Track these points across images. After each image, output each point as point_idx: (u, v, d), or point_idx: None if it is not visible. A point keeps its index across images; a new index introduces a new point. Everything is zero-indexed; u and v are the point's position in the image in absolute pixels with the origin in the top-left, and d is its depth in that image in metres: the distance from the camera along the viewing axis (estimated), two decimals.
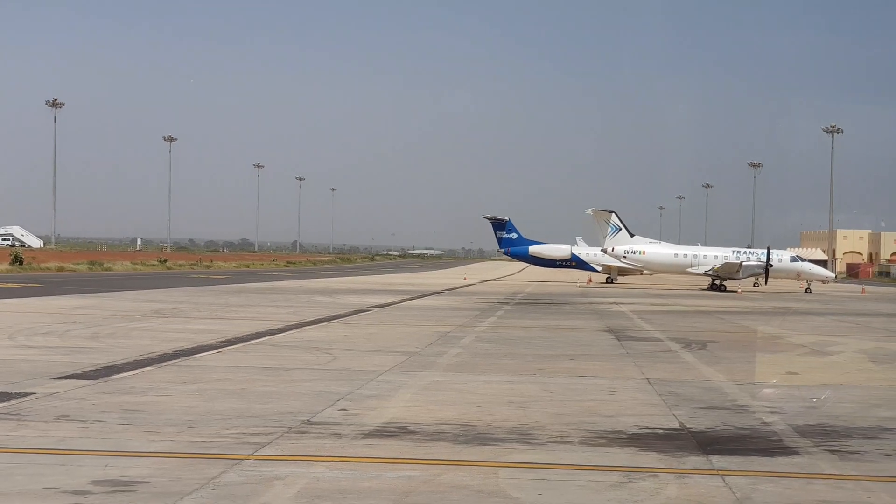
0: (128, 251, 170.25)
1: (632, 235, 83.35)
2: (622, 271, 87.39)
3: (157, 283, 60.79)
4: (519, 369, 20.25)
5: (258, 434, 12.33)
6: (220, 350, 22.23)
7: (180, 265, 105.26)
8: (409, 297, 52.61)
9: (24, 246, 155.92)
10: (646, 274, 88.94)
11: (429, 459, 11.21)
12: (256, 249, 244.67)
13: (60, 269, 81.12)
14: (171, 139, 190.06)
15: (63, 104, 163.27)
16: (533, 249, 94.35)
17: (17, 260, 79.38)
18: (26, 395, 14.88)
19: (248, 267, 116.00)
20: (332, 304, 43.43)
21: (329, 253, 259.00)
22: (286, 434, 12.40)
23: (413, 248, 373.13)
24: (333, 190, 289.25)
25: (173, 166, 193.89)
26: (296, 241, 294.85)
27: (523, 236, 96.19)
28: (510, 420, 13.94)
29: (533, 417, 14.20)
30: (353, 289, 62.64)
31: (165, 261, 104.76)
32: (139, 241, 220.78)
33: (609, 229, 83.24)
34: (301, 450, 11.52)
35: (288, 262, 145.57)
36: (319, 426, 12.99)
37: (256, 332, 26.83)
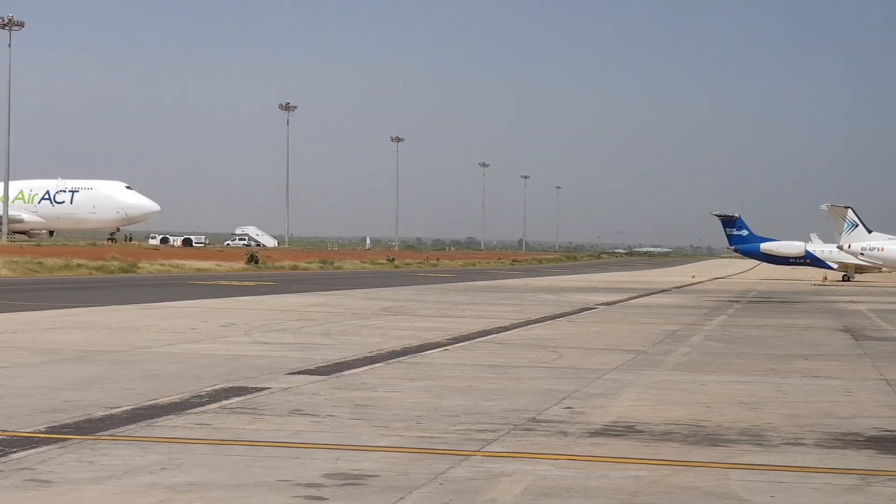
0: (357, 250, 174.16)
1: (869, 231, 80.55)
2: (859, 269, 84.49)
3: (386, 282, 61.93)
4: (750, 369, 19.76)
5: (485, 431, 12.36)
6: (446, 348, 22.44)
7: (407, 263, 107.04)
8: (636, 294, 52.10)
9: (259, 245, 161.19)
10: (884, 272, 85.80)
11: (657, 460, 11.02)
12: (482, 248, 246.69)
13: (294, 267, 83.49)
14: (398, 139, 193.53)
15: (295, 107, 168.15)
16: (764, 247, 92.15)
17: (252, 259, 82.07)
18: (262, 389, 15.32)
19: (474, 265, 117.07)
20: (557, 301, 43.37)
21: (554, 251, 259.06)
22: (512, 431, 12.39)
23: (640, 246, 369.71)
24: (559, 188, 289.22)
25: (401, 166, 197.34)
26: (521, 240, 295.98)
27: (754, 233, 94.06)
28: (741, 421, 13.59)
29: (765, 418, 13.81)
30: (578, 286, 62.46)
31: (393, 259, 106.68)
32: (368, 240, 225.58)
33: (845, 225, 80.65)
34: (527, 447, 11.49)
35: (513, 261, 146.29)
36: (545, 424, 12.94)
37: (482, 330, 26.99)
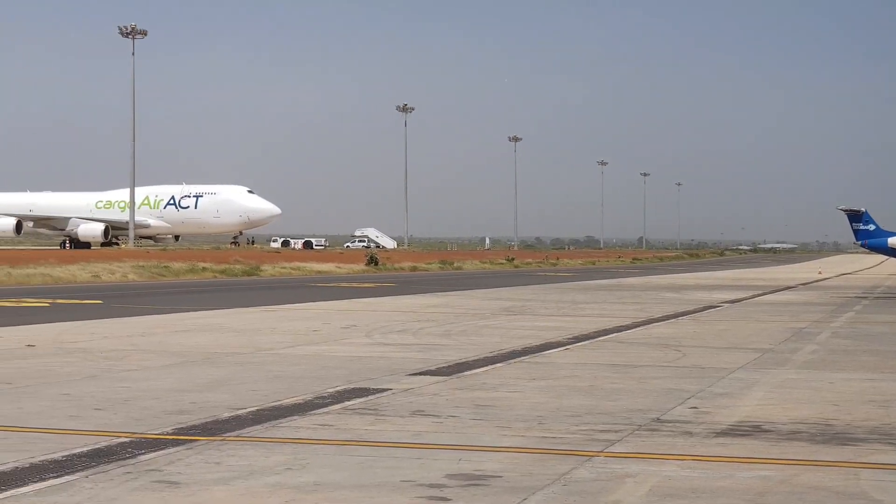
0: (477, 250, 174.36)
1: None
2: None
3: (506, 282, 61.89)
4: (880, 366, 19.30)
5: (607, 431, 12.25)
6: (567, 347, 22.33)
7: (527, 263, 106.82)
8: (760, 292, 51.31)
9: (378, 247, 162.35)
10: None
11: (784, 459, 10.80)
12: (601, 246, 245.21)
13: (413, 268, 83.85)
14: (515, 139, 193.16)
15: (413, 108, 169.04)
16: (892, 241, 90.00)
17: (372, 261, 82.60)
18: (383, 390, 15.39)
19: (594, 264, 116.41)
20: (679, 300, 42.89)
21: (675, 248, 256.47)
22: (636, 432, 12.26)
23: (764, 242, 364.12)
24: (679, 185, 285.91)
25: (518, 165, 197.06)
26: (641, 238, 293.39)
27: (881, 228, 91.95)
28: (871, 419, 13.27)
29: None
30: (701, 284, 61.71)
31: (513, 259, 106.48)
32: (487, 240, 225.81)
33: None
34: (651, 448, 11.35)
35: (634, 259, 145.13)
36: (670, 424, 12.78)
37: (603, 329, 26.80)
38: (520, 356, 20.31)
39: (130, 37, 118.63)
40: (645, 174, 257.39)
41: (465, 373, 17.62)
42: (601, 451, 11.07)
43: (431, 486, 9.50)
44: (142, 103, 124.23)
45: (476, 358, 19.83)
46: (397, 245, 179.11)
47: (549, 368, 18.38)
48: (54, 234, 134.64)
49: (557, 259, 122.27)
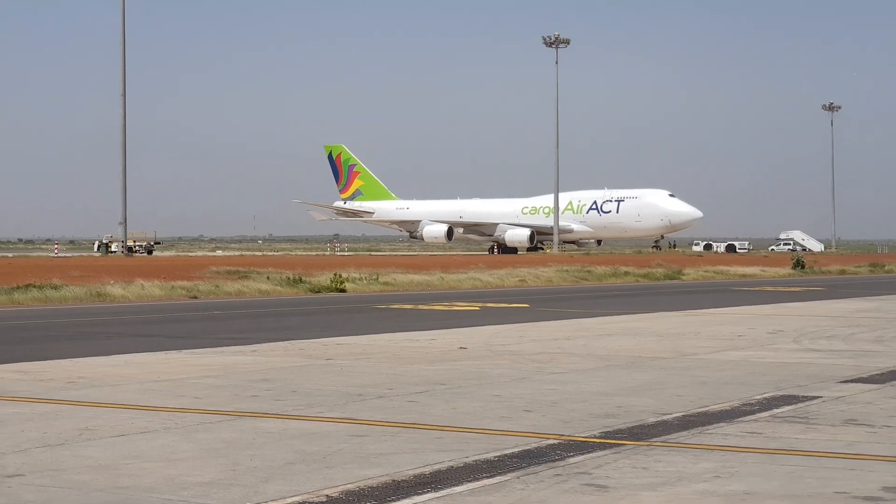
0: None
1: None
2: None
3: None
4: None
5: None
6: None
7: None
8: None
9: (805, 250, 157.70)
10: None
11: None
12: None
13: (842, 272, 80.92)
14: None
15: (839, 107, 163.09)
16: None
17: (798, 264, 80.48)
18: (813, 398, 14.94)
19: None
20: None
21: None
22: None
23: None
24: None
25: None
26: None
27: None
28: None
29: None
30: None
31: None
32: None
33: None
34: None
35: None
36: None
37: None
38: None
39: (554, 46, 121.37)
40: None
41: None
42: None
43: (867, 498, 9.14)
44: (564, 110, 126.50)
45: None
46: (824, 248, 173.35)
47: None
48: (483, 239, 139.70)
49: None
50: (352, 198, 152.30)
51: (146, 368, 18.27)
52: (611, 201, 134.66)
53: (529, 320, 30.15)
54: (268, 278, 48.73)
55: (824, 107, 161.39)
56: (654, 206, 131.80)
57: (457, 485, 9.68)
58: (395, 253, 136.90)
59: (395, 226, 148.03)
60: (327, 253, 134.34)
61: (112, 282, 42.63)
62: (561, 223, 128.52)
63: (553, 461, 10.65)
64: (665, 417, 13.24)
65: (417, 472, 10.14)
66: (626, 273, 66.03)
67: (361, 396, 14.99)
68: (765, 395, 15.13)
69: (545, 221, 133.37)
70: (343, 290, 46.78)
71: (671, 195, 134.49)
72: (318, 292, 46.12)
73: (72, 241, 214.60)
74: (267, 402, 14.47)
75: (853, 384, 16.43)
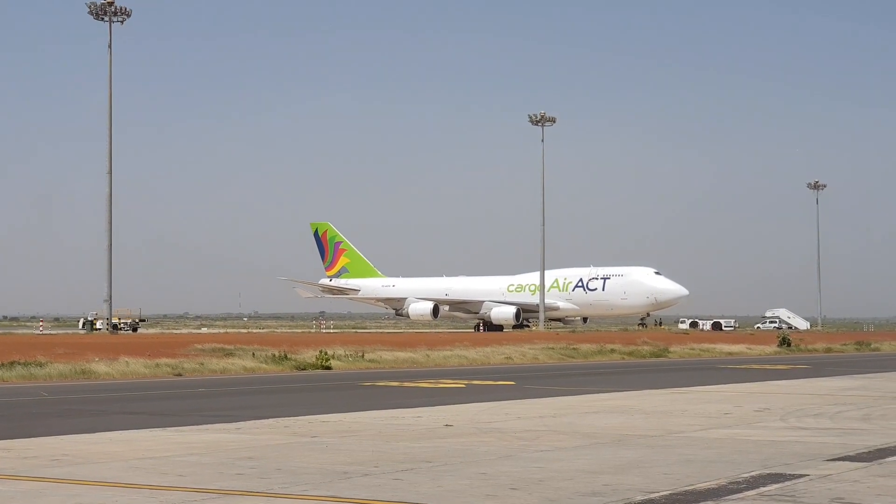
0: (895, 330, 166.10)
1: None
2: None
3: None
4: None
5: None
6: None
7: None
8: None
9: (790, 328, 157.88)
10: None
11: None
12: None
13: (828, 350, 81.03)
14: None
15: (824, 186, 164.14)
16: None
17: (784, 342, 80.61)
18: (800, 476, 14.90)
19: None
20: None
21: None
22: None
23: None
24: None
25: None
26: None
27: None
28: None
29: None
30: None
31: None
32: None
33: None
34: None
35: None
36: None
37: None
38: None
39: (540, 124, 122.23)
40: None
41: (888, 459, 16.79)
42: None
43: None
44: (548, 187, 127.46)
45: None
46: (810, 325, 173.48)
47: None
48: (468, 316, 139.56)
49: None
50: (338, 275, 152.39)
51: (130, 446, 18.16)
52: (597, 279, 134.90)
53: (515, 398, 30.08)
54: (253, 355, 48.63)
55: (809, 185, 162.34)
56: (639, 284, 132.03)
57: None
58: (380, 330, 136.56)
59: (380, 303, 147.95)
60: (313, 330, 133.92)
61: (97, 359, 42.49)
62: (547, 301, 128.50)
63: None
64: (652, 496, 13.18)
65: None
66: (613, 351, 66.05)
67: (347, 474, 14.91)
68: (752, 474, 15.08)
69: (531, 299, 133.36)
70: (329, 368, 46.69)
71: (657, 273, 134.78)
72: (304, 369, 46.03)
73: (56, 319, 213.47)
74: (252, 479, 14.38)
75: (841, 462, 16.39)
